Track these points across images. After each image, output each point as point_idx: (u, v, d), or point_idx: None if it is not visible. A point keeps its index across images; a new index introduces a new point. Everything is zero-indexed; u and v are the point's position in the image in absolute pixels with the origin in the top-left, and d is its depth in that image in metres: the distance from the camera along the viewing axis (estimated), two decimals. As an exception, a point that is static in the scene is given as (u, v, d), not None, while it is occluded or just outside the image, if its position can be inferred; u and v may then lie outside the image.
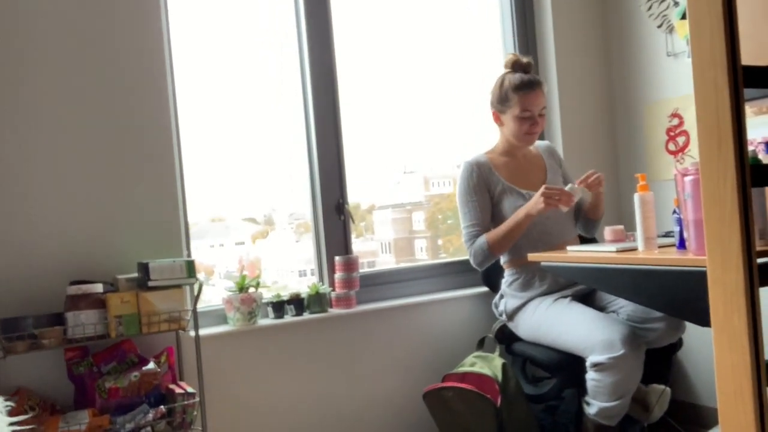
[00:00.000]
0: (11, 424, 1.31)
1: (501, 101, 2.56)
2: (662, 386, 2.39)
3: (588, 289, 2.52)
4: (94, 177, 2.30)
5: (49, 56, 2.24)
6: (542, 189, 2.38)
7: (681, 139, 2.94)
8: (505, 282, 2.61)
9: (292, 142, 2.78)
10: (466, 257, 3.02)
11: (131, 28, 2.35)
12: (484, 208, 2.56)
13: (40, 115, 2.23)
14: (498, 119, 2.61)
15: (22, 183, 2.21)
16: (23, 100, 2.21)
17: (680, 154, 2.95)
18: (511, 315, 2.55)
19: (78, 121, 2.28)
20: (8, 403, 1.37)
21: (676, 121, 2.96)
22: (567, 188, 2.40)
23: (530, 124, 2.53)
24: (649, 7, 3.00)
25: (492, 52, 3.22)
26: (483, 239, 2.51)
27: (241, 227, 2.93)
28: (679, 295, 1.92)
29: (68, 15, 2.26)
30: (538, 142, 2.74)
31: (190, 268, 2.21)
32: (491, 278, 2.77)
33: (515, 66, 2.57)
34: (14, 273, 2.18)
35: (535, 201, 2.40)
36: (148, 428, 2.10)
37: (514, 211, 2.51)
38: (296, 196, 2.85)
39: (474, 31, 3.19)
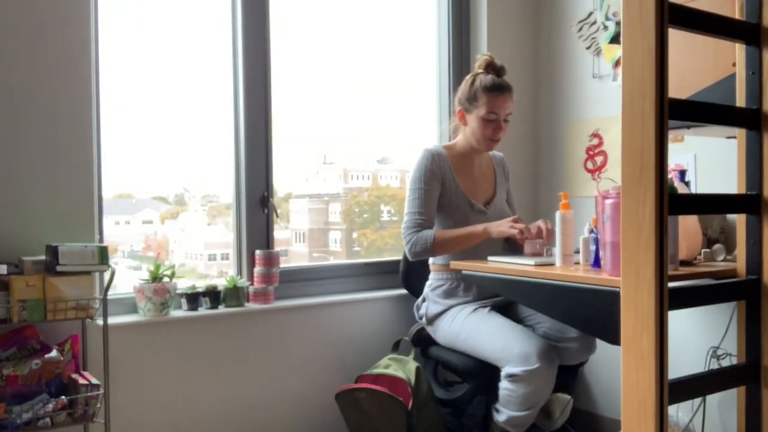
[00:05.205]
0: None
1: (469, 100, 2.54)
2: (567, 396, 2.47)
3: (508, 301, 2.56)
4: None
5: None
6: (517, 224, 2.35)
7: (599, 159, 3.06)
8: (429, 286, 2.61)
9: (213, 124, 2.69)
10: (388, 258, 3.05)
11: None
12: (433, 200, 2.53)
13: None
14: (462, 118, 2.58)
15: None
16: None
17: (597, 173, 3.07)
18: (431, 320, 2.56)
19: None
20: None
21: (596, 141, 3.07)
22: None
23: (494, 128, 2.52)
24: (580, 29, 3.10)
25: (425, 59, 3.25)
26: (430, 233, 2.46)
27: (150, 205, 2.83)
28: (592, 313, 1.99)
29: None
30: (495, 153, 2.74)
31: (103, 254, 2.12)
32: (411, 282, 2.79)
33: (489, 67, 2.55)
34: None
35: (506, 225, 2.38)
36: (47, 419, 2.00)
37: (461, 218, 2.51)
38: (212, 179, 2.77)
39: (407, 37, 3.21)
